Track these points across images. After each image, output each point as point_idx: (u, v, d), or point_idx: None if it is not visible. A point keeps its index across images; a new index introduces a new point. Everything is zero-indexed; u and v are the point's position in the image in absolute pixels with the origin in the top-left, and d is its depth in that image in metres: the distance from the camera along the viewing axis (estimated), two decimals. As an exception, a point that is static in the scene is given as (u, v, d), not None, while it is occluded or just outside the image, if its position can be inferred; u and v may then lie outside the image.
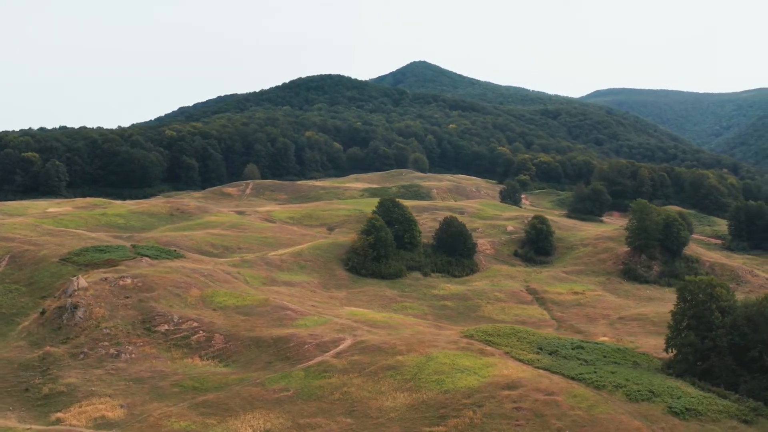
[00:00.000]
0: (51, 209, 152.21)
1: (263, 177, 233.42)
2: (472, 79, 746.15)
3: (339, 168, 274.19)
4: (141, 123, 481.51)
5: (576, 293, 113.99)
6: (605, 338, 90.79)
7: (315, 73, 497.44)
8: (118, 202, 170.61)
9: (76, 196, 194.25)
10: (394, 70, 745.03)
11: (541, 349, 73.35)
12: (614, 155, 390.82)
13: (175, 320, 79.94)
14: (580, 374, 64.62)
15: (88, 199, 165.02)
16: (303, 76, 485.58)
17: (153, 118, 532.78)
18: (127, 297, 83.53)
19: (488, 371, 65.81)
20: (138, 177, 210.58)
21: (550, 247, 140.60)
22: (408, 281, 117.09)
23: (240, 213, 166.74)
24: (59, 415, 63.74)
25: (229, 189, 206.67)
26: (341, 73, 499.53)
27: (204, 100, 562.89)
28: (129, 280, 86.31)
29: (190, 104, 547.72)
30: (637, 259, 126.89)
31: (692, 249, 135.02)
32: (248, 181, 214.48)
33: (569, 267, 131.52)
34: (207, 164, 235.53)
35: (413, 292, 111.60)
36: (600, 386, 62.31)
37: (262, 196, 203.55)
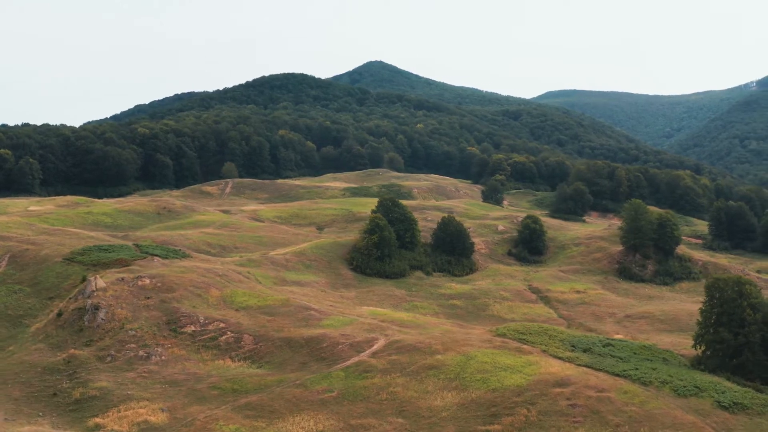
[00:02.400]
0: (32, 207, 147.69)
1: (239, 176, 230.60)
2: (429, 79, 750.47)
3: (312, 167, 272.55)
4: (98, 120, 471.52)
5: (578, 292, 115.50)
6: (620, 336, 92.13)
7: (277, 72, 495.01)
8: (100, 200, 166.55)
9: (49, 195, 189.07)
10: (351, 69, 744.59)
11: (574, 346, 74.05)
12: (577, 156, 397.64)
13: (201, 321, 78.29)
14: (624, 371, 65.46)
15: (69, 198, 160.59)
16: (266, 74, 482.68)
17: (109, 116, 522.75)
18: (148, 298, 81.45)
19: (532, 369, 66.14)
20: (113, 175, 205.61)
21: (543, 246, 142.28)
22: (412, 281, 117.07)
23: (226, 212, 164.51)
24: (97, 420, 61.73)
25: (209, 188, 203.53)
26: (305, 72, 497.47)
27: (161, 97, 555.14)
28: (147, 281, 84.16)
29: (146, 102, 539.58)
30: (631, 259, 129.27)
31: (681, 248, 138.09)
32: (227, 180, 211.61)
33: (564, 266, 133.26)
34: (181, 162, 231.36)
35: (420, 292, 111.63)
36: (646, 382, 63.21)
37: (243, 195, 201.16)
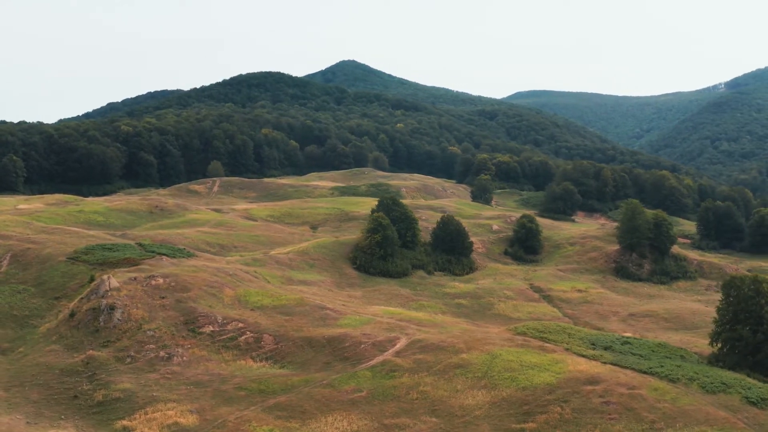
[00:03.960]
0: (21, 206, 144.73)
1: (223, 174, 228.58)
2: (402, 79, 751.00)
3: (296, 166, 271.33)
4: (72, 118, 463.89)
5: (580, 291, 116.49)
6: (628, 334, 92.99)
7: (251, 71, 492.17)
8: (89, 199, 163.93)
9: (33, 193, 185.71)
10: (324, 68, 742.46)
11: (594, 344, 74.67)
12: (554, 156, 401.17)
13: (219, 321, 77.40)
14: (651, 368, 66.15)
15: (57, 196, 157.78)
16: (242, 73, 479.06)
17: (81, 114, 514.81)
18: (163, 297, 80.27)
19: (560, 367, 66.50)
20: (97, 173, 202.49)
21: (539, 245, 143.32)
22: (415, 280, 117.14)
23: (217, 211, 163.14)
24: (125, 423, 60.62)
25: (196, 186, 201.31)
26: (281, 71, 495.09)
27: (133, 95, 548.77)
28: (161, 280, 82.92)
29: (119, 100, 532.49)
30: (628, 258, 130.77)
31: (674, 248, 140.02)
32: (215, 179, 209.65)
33: (562, 265, 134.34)
34: (165, 161, 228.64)
35: (425, 291, 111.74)
36: (674, 379, 63.95)
37: (231, 194, 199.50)
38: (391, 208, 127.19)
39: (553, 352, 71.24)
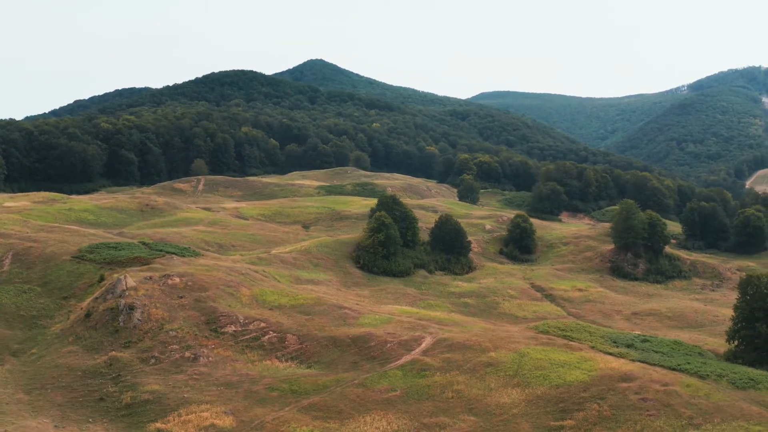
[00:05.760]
0: (7, 203, 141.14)
1: (207, 173, 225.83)
2: (370, 78, 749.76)
3: (277, 165, 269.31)
4: (39, 115, 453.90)
5: (580, 290, 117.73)
6: (637, 332, 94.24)
7: (228, 68, 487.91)
8: (74, 197, 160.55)
9: (14, 191, 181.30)
10: (292, 67, 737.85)
11: (615, 342, 75.52)
12: (527, 156, 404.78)
13: (241, 321, 76.41)
14: (679, 365, 67.08)
15: (43, 194, 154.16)
16: (216, 71, 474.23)
17: (48, 111, 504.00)
18: (181, 297, 78.95)
19: (590, 365, 67.04)
20: (78, 171, 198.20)
21: (533, 245, 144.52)
22: (418, 279, 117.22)
23: (207, 209, 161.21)
24: (158, 425, 59.48)
25: (181, 185, 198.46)
26: (254, 69, 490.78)
27: (100, 93, 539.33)
28: (178, 279, 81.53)
29: (86, 97, 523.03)
30: (623, 257, 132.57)
31: (666, 248, 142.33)
32: (199, 177, 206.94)
33: (558, 265, 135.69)
34: (146, 159, 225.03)
35: (430, 290, 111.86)
36: (703, 376, 64.92)
37: (216, 193, 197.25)
38: (391, 207, 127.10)
39: (579, 350, 71.78)
